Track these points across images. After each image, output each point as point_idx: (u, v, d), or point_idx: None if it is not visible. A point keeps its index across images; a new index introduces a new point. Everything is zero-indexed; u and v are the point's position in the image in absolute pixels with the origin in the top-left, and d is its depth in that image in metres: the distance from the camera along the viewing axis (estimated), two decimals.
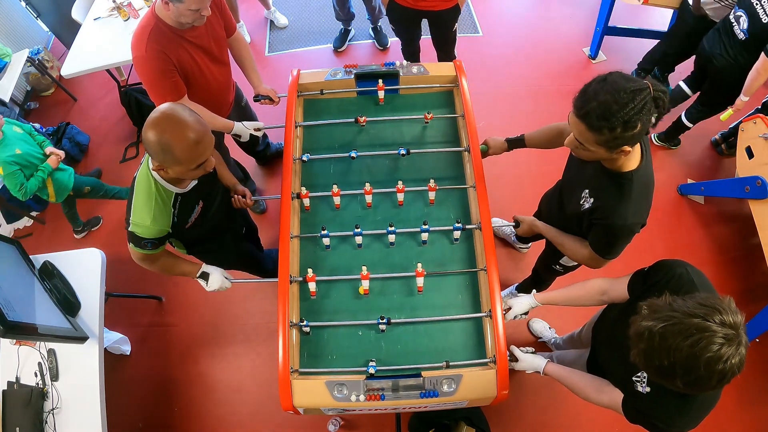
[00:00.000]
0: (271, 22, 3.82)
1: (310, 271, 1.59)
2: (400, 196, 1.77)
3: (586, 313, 1.76)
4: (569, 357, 1.90)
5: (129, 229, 1.39)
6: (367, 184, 1.73)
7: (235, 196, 1.83)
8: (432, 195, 1.77)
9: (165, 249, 1.55)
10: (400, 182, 1.73)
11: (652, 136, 3.04)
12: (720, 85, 2.50)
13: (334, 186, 1.74)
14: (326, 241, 1.69)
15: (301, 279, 1.65)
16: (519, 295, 1.62)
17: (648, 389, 1.16)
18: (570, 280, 2.07)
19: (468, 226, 1.70)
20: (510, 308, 1.62)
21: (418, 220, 1.73)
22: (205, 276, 1.70)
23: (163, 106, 1.25)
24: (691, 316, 0.89)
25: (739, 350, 0.88)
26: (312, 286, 1.61)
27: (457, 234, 1.71)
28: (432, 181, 1.75)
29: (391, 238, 1.69)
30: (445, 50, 2.72)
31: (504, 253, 2.72)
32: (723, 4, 2.45)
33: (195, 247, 1.78)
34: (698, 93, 2.73)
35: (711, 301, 0.91)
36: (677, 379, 0.93)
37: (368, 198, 1.76)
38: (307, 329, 1.58)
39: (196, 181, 1.50)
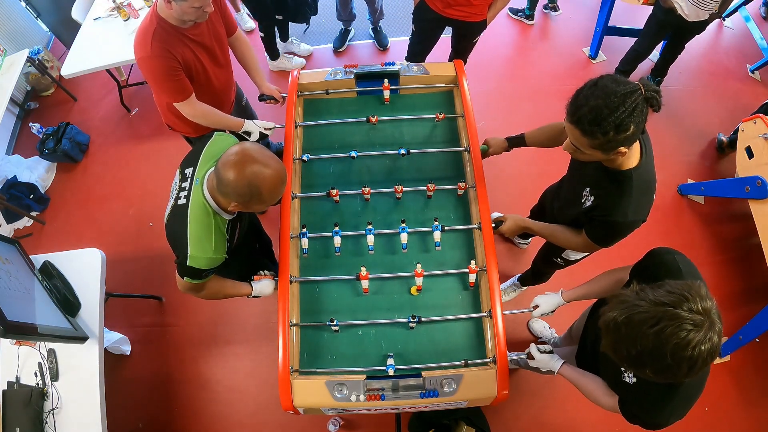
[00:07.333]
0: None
1: (363, 269, 1.59)
2: (430, 193, 1.76)
3: (580, 310, 1.77)
4: (563, 354, 1.90)
5: (187, 263, 1.33)
6: (398, 186, 1.73)
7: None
8: (461, 192, 1.78)
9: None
10: (430, 184, 1.73)
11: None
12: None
13: (365, 187, 1.73)
14: (337, 241, 1.66)
15: (300, 279, 1.65)
16: (546, 293, 1.62)
17: (634, 380, 1.16)
18: (569, 273, 2.08)
19: (468, 226, 1.71)
20: (537, 306, 1.62)
21: (418, 221, 1.74)
22: (257, 293, 1.66)
23: (243, 148, 1.23)
24: (658, 304, 0.89)
25: (708, 336, 0.85)
26: (365, 284, 1.60)
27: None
28: (463, 184, 1.75)
29: (404, 238, 1.66)
30: (462, 57, 2.73)
31: (504, 249, 2.72)
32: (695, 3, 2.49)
33: None
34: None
35: (679, 289, 0.90)
36: (647, 368, 0.92)
37: (398, 194, 1.75)
38: (336, 327, 1.58)
39: None
